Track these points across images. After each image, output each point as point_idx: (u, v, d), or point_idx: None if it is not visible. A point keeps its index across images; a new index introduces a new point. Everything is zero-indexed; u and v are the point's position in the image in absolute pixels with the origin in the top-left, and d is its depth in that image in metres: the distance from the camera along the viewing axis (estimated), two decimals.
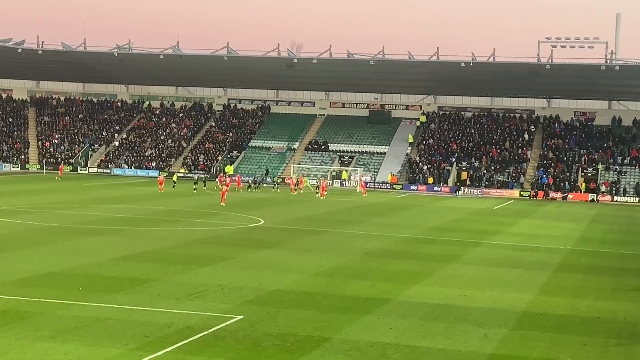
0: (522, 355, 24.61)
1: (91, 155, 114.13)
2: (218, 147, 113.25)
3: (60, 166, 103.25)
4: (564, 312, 30.91)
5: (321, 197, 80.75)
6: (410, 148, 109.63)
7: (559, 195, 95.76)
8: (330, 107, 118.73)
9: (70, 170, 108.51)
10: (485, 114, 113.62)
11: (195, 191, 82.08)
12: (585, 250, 49.53)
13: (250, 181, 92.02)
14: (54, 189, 65.60)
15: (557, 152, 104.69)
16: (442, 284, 35.45)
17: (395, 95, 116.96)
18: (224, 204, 66.70)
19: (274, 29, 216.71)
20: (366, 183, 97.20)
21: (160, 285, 32.53)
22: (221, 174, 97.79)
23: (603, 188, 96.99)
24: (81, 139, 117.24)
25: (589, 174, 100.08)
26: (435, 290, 34.02)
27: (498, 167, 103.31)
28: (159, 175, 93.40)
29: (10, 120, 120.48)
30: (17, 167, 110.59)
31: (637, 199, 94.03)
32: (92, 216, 56.06)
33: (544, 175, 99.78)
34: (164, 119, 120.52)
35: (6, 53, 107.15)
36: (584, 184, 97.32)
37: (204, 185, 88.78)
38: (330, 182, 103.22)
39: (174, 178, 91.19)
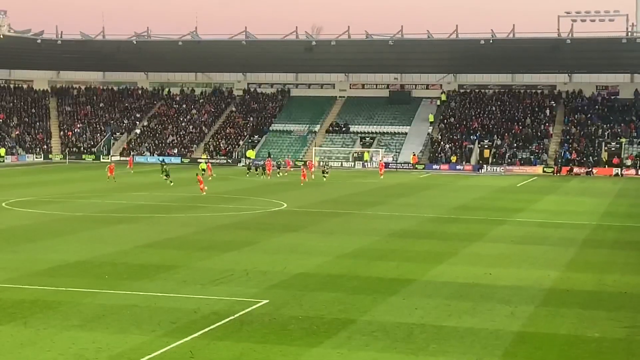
0: (550, 332, 24.50)
1: (113, 143, 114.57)
2: (239, 132, 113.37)
3: (129, 158, 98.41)
4: (590, 288, 30.75)
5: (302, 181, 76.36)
6: (431, 127, 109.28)
7: (582, 170, 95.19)
8: (350, 88, 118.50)
9: (93, 159, 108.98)
10: (506, 90, 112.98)
11: (248, 176, 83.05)
12: (610, 225, 49.25)
13: (247, 165, 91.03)
14: (77, 179, 66.04)
15: (579, 128, 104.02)
16: (467, 263, 35.35)
17: (415, 75, 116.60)
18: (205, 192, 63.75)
19: (291, 13, 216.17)
20: (387, 164, 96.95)
21: (186, 271, 32.64)
22: (269, 159, 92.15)
23: (628, 162, 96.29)
24: (103, 128, 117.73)
25: (613, 149, 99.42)
26: (460, 269, 33.93)
27: (520, 144, 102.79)
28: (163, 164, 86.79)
29: (33, 111, 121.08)
30: (40, 158, 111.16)
31: None
32: (115, 204, 56.30)
33: (567, 151, 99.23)
34: (184, 106, 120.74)
35: (26, 44, 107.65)
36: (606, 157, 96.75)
37: (257, 171, 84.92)
38: (352, 164, 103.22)
39: (202, 167, 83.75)
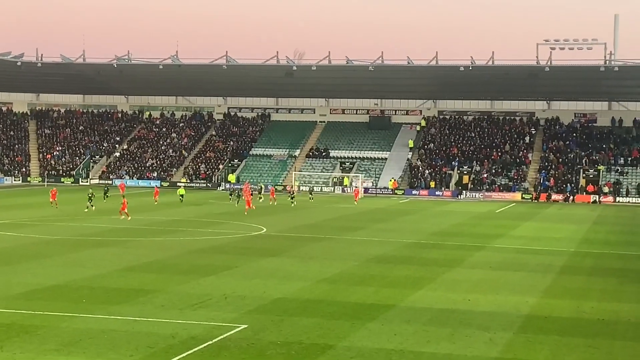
0: (528, 359, 24.56)
1: (92, 166, 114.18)
2: (219, 156, 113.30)
3: (155, 188, 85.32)
4: (568, 314, 30.87)
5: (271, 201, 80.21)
6: (411, 153, 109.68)
7: (561, 197, 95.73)
8: (331, 113, 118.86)
9: (72, 182, 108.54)
10: (486, 117, 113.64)
11: (231, 201, 79.98)
12: (588, 252, 49.49)
13: (230, 191, 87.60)
14: (66, 201, 65.73)
15: (558, 154, 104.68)
16: (446, 289, 35.41)
17: (395, 100, 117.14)
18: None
19: (272, 38, 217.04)
20: (366, 189, 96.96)
21: (164, 295, 32.51)
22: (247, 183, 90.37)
23: (606, 189, 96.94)
24: (82, 151, 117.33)
25: (591, 176, 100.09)
26: (439, 295, 33.99)
27: (499, 170, 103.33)
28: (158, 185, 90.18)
29: (11, 133, 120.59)
30: (19, 180, 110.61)
31: (639, 199, 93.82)
32: (94, 228, 56.05)
33: (546, 178, 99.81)
34: (164, 129, 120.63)
35: (6, 66, 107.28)
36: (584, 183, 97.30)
37: (231, 197, 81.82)
38: (332, 189, 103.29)
39: (180, 192, 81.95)
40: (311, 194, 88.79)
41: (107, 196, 79.89)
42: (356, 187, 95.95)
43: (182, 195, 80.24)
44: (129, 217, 61.07)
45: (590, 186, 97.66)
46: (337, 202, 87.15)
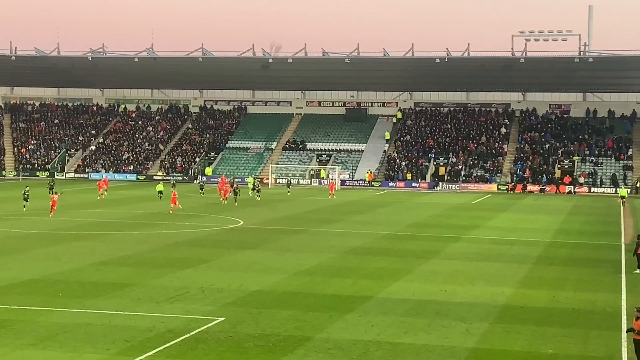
0: (504, 349, 24.71)
1: (68, 160, 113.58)
2: (195, 149, 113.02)
3: (173, 194, 67.49)
4: (544, 304, 31.07)
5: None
6: (387, 145, 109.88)
7: (536, 188, 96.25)
8: (307, 106, 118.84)
9: (47, 176, 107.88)
10: (462, 109, 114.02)
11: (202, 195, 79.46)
12: (563, 242, 49.81)
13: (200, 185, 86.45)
14: (31, 196, 65.36)
15: (533, 145, 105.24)
16: (423, 280, 35.54)
17: (372, 92, 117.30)
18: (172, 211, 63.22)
19: (248, 31, 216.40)
20: (343, 181, 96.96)
21: (141, 289, 32.42)
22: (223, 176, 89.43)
23: (582, 180, 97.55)
24: (57, 145, 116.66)
25: (566, 167, 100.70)
26: (416, 286, 34.11)
27: (475, 161, 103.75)
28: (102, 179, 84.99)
29: None
30: None
31: (614, 189, 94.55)
32: (70, 222, 55.76)
33: (521, 169, 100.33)
34: (140, 122, 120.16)
35: None
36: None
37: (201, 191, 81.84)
38: (309, 181, 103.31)
39: (159, 188, 76.80)
40: (289, 187, 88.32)
41: (53, 192, 71.44)
42: (332, 179, 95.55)
43: (160, 192, 75.51)
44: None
45: (565, 177, 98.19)
46: (314, 194, 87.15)
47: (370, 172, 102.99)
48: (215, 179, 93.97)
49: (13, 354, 23.27)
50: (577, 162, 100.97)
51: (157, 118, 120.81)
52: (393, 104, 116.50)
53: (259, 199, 76.34)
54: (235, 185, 77.36)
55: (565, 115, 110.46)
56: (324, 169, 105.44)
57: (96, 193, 77.17)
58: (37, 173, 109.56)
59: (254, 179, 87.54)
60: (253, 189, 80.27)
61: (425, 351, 24.26)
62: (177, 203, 64.08)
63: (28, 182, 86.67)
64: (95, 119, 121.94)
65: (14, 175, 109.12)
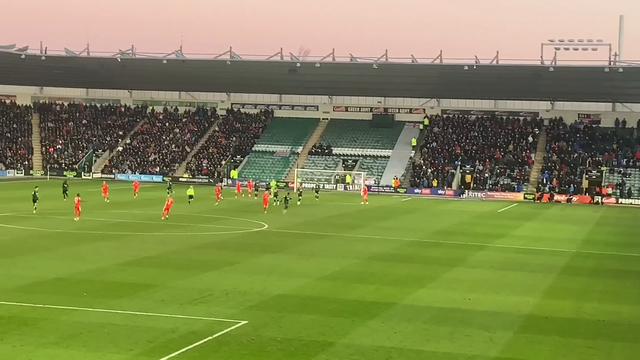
0: (527, 359, 24.53)
1: (95, 160, 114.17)
2: (222, 152, 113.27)
3: (217, 187, 75.34)
4: (568, 315, 30.82)
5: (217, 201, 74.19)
6: (413, 151, 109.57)
7: (563, 197, 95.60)
8: (334, 111, 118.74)
9: (74, 176, 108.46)
10: (489, 117, 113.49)
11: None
12: (589, 253, 49.42)
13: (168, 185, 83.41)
14: (57, 195, 65.72)
15: (561, 155, 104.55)
16: (447, 288, 35.37)
17: (399, 98, 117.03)
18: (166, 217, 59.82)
19: (277, 35, 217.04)
20: (369, 187, 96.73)
21: (164, 290, 32.49)
22: (250, 180, 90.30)
23: (610, 190, 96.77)
24: (85, 145, 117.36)
25: (594, 177, 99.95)
26: (439, 293, 33.95)
27: (502, 170, 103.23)
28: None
29: (14, 126, 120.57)
30: (21, 173, 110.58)
31: None
32: (95, 222, 56.04)
33: (548, 179, 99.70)
34: (167, 124, 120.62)
35: (9, 59, 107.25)
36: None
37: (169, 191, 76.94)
38: (334, 186, 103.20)
39: (189, 192, 72.44)
40: (317, 192, 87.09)
41: (67, 194, 71.44)
42: (365, 186, 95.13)
43: (191, 196, 71.40)
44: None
45: (597, 188, 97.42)
46: (341, 200, 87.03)
47: (396, 178, 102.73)
48: (242, 181, 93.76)
49: (37, 351, 23.38)
50: (605, 173, 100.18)
51: (184, 120, 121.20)
52: (420, 111, 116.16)
53: (300, 203, 75.79)
54: (276, 191, 78.17)
55: (594, 125, 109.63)
56: (350, 174, 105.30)
57: (131, 193, 78.15)
58: (65, 173, 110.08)
59: (276, 182, 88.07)
60: (297, 194, 78.42)
61: (447, 359, 24.12)
62: (168, 211, 59.75)
63: (38, 182, 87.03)
64: (122, 120, 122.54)
65: (42, 175, 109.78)
